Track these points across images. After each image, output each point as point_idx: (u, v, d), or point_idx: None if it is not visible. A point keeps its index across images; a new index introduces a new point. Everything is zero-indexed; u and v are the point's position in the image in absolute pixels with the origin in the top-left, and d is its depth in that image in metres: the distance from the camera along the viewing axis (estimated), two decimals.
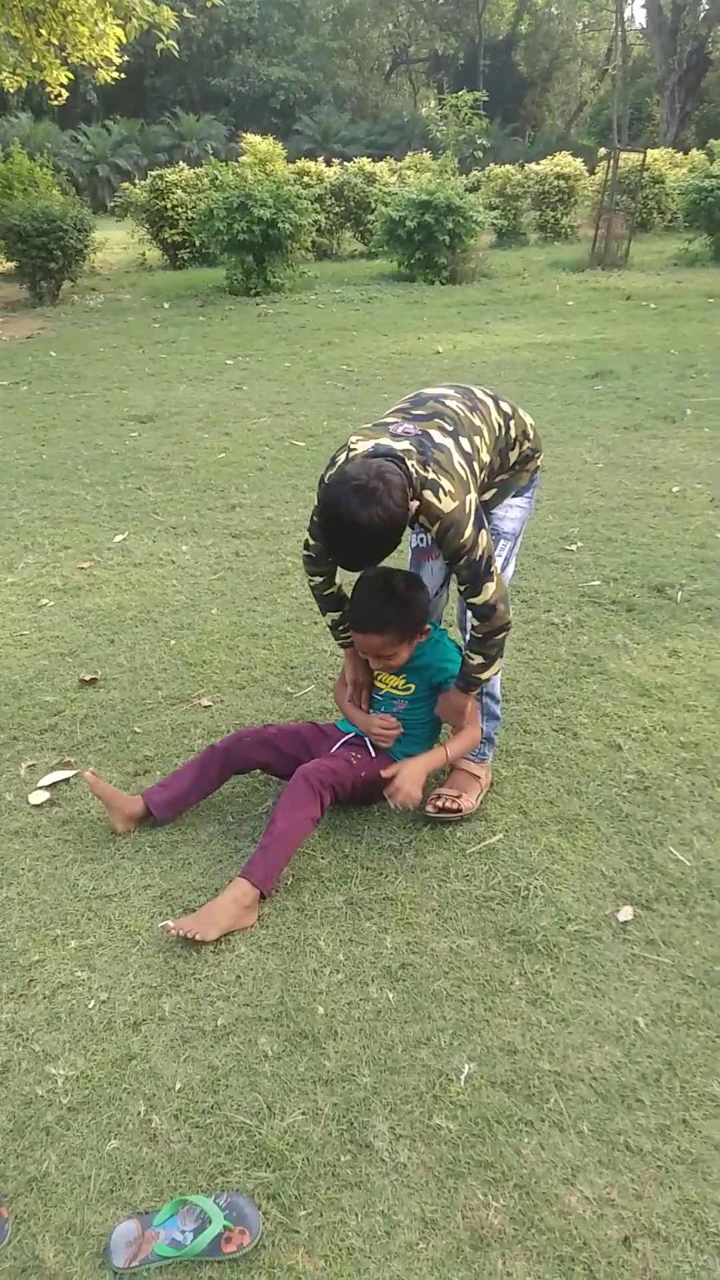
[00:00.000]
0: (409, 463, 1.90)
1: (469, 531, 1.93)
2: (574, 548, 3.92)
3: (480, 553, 1.97)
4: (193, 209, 13.15)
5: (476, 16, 40.76)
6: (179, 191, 13.96)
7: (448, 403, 2.10)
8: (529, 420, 2.29)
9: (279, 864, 2.06)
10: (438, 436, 1.98)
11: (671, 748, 2.59)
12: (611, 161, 14.23)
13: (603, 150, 17.36)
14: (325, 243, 15.70)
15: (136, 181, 15.18)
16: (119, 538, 4.19)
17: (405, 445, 1.94)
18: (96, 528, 4.32)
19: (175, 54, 10.82)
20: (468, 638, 2.14)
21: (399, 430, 1.99)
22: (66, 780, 2.53)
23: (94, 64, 11.50)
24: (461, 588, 2.05)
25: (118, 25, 10.92)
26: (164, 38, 10.31)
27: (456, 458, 1.97)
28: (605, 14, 30.99)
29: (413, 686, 2.34)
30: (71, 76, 12.19)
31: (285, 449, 5.43)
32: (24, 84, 12.62)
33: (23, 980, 1.90)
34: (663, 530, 4.07)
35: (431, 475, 1.90)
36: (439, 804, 2.32)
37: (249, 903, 2.00)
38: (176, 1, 12.19)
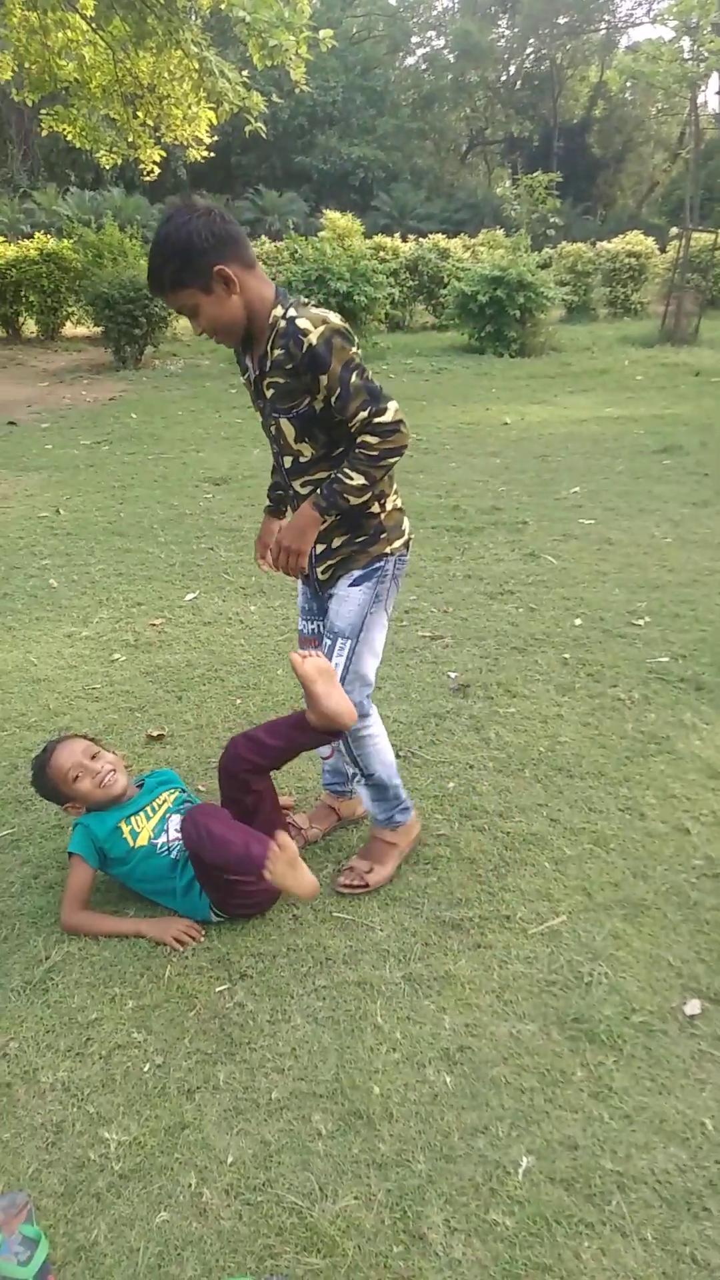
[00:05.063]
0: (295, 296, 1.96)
1: (352, 350, 1.93)
2: (641, 622, 3.88)
3: (367, 373, 1.94)
4: (272, 280, 13.61)
5: (552, 101, 41.98)
6: (260, 264, 14.48)
7: None
8: (398, 503, 2.17)
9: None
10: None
11: None
12: (683, 240, 14.40)
13: (675, 230, 17.59)
14: (398, 315, 16.07)
15: None
16: (190, 596, 4.28)
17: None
18: (169, 585, 4.42)
19: (262, 135, 11.29)
20: (358, 454, 1.94)
21: None
22: None
23: (186, 143, 12.07)
24: (363, 413, 1.91)
25: (210, 109, 11.48)
26: (253, 120, 10.77)
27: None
28: (679, 100, 31.64)
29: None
30: (164, 154, 12.80)
31: None
32: (119, 161, 13.30)
33: (80, 1038, 1.91)
34: None
35: (319, 312, 1.94)
36: (347, 881, 2.30)
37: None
38: (266, 86, 12.79)
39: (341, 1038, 1.89)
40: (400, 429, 1.94)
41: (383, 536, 2.13)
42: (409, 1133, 1.69)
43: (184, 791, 2.44)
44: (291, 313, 1.92)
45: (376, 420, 1.92)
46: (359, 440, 1.94)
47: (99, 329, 12.80)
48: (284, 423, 2.02)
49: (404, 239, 17.12)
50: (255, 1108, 1.74)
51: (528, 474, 6.48)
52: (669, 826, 2.56)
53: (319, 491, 2.01)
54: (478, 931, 2.18)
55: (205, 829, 2.03)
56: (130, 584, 4.45)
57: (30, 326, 14.92)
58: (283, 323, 1.92)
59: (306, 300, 2.00)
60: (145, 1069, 1.83)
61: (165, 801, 2.34)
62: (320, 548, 2.15)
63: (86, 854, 2.23)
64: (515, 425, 8.23)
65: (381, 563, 2.14)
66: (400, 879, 2.36)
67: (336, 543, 2.14)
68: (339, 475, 1.97)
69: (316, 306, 1.98)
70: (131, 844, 2.23)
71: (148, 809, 2.31)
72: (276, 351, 1.94)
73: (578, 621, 3.91)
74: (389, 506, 2.14)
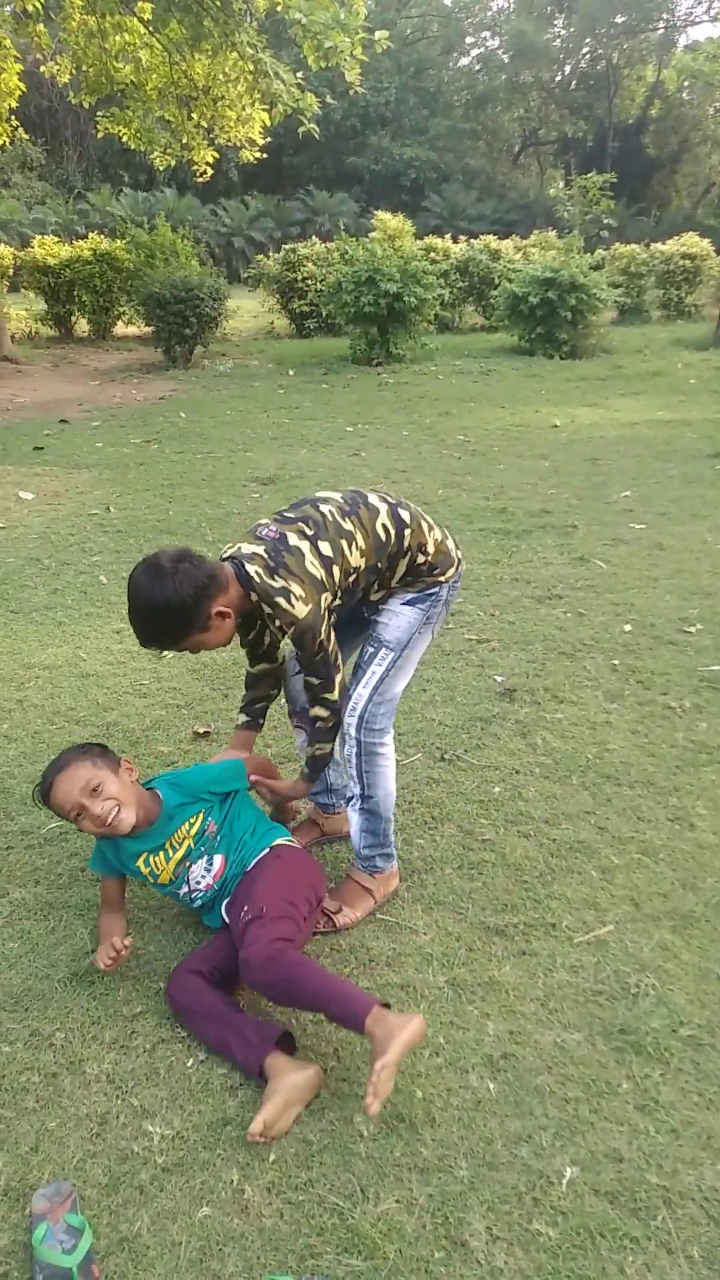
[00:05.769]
0: (251, 568, 1.97)
1: (324, 632, 2.02)
2: (693, 630, 3.83)
3: (332, 649, 2.07)
4: (322, 281, 13.68)
5: (607, 101, 41.60)
6: (310, 264, 14.54)
7: (321, 507, 2.11)
8: (437, 536, 2.21)
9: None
10: (294, 539, 2.02)
11: None
12: None
13: None
14: (447, 315, 16.04)
15: (270, 254, 15.89)
16: None
17: (258, 549, 2.01)
18: None
19: (315, 136, 11.33)
20: (314, 729, 2.18)
21: (261, 533, 2.07)
22: None
23: (239, 145, 12.16)
24: (315, 682, 2.11)
25: (264, 110, 11.54)
26: (306, 122, 10.80)
27: (309, 559, 2.00)
28: None
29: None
30: (217, 155, 12.89)
31: None
32: (173, 162, 13.44)
33: (124, 1031, 1.92)
34: None
35: (280, 583, 1.95)
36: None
37: None
38: (319, 87, 12.81)
39: None
40: (339, 707, 2.13)
41: (435, 571, 2.20)
42: (451, 1138, 1.68)
43: (209, 811, 2.14)
44: (266, 607, 1.98)
45: (323, 695, 2.12)
46: (313, 713, 2.16)
47: (150, 328, 12.96)
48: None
49: (455, 240, 17.08)
50: None
51: (577, 477, 6.42)
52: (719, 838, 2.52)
53: (305, 767, 2.23)
54: (523, 938, 2.16)
55: (200, 1031, 1.89)
56: None
57: (82, 326, 15.16)
58: (265, 607, 1.99)
59: (257, 574, 1.96)
60: (189, 1064, 1.84)
61: (185, 838, 2.10)
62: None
63: (104, 871, 2.16)
64: (565, 428, 8.16)
65: (436, 589, 2.21)
66: (445, 883, 2.35)
67: (393, 584, 2.22)
68: (313, 753, 2.19)
69: (269, 575, 1.96)
70: (151, 881, 2.13)
71: (168, 847, 2.10)
72: (277, 625, 2.03)
73: (627, 627, 3.87)
74: (431, 549, 2.19)
